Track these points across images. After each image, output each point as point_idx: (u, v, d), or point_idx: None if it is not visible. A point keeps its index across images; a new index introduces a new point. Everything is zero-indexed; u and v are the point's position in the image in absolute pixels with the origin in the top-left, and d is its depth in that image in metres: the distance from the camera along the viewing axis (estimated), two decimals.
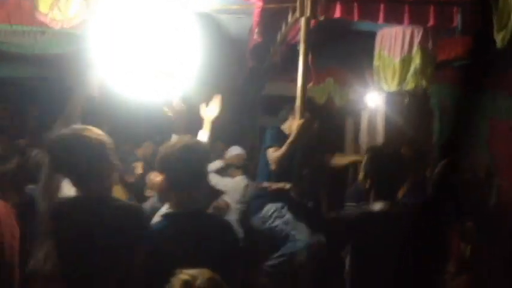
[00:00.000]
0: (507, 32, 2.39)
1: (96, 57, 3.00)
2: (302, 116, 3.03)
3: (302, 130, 2.99)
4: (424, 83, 3.25)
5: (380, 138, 6.05)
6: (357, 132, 7.18)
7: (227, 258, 2.32)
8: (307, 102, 3.22)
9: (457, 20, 2.73)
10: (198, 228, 2.33)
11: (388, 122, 6.18)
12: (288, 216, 3.44)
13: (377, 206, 2.47)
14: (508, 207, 3.72)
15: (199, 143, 2.52)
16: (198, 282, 1.70)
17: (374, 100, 6.08)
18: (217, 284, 1.75)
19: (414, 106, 5.38)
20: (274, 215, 3.61)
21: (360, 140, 6.92)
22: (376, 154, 2.65)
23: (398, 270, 1.76)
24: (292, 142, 3.00)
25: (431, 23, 2.76)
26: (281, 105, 3.79)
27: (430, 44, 3.11)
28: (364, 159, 2.64)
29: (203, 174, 2.50)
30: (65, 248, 2.28)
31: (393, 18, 2.82)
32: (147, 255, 2.24)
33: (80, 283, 2.22)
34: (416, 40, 3.10)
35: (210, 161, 2.56)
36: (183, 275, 1.73)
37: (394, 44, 3.24)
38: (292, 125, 3.14)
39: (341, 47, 4.31)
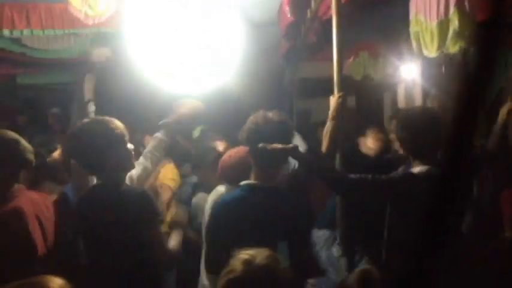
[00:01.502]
0: None
1: (130, 53, 3.03)
2: (339, 91, 2.96)
3: (339, 105, 2.93)
4: (464, 46, 3.12)
5: None
6: (395, 108, 7.02)
7: (296, 234, 2.40)
8: (345, 79, 3.16)
9: None
10: (271, 203, 2.39)
11: (425, 94, 6.02)
12: (334, 251, 3.45)
13: (416, 169, 2.41)
14: None
15: (286, 121, 2.53)
16: (258, 260, 1.74)
17: (410, 72, 5.93)
18: (275, 260, 1.79)
19: (452, 74, 5.23)
20: (324, 244, 3.78)
21: None
22: (404, 118, 2.57)
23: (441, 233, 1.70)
24: (332, 119, 2.94)
25: None
26: (317, 87, 3.73)
27: (467, 4, 2.97)
28: (394, 126, 2.56)
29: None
30: (90, 237, 2.39)
31: None
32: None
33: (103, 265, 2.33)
34: (453, 1, 2.97)
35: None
36: (243, 254, 1.77)
37: (430, 6, 3.12)
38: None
39: (373, 18, 4.22)
